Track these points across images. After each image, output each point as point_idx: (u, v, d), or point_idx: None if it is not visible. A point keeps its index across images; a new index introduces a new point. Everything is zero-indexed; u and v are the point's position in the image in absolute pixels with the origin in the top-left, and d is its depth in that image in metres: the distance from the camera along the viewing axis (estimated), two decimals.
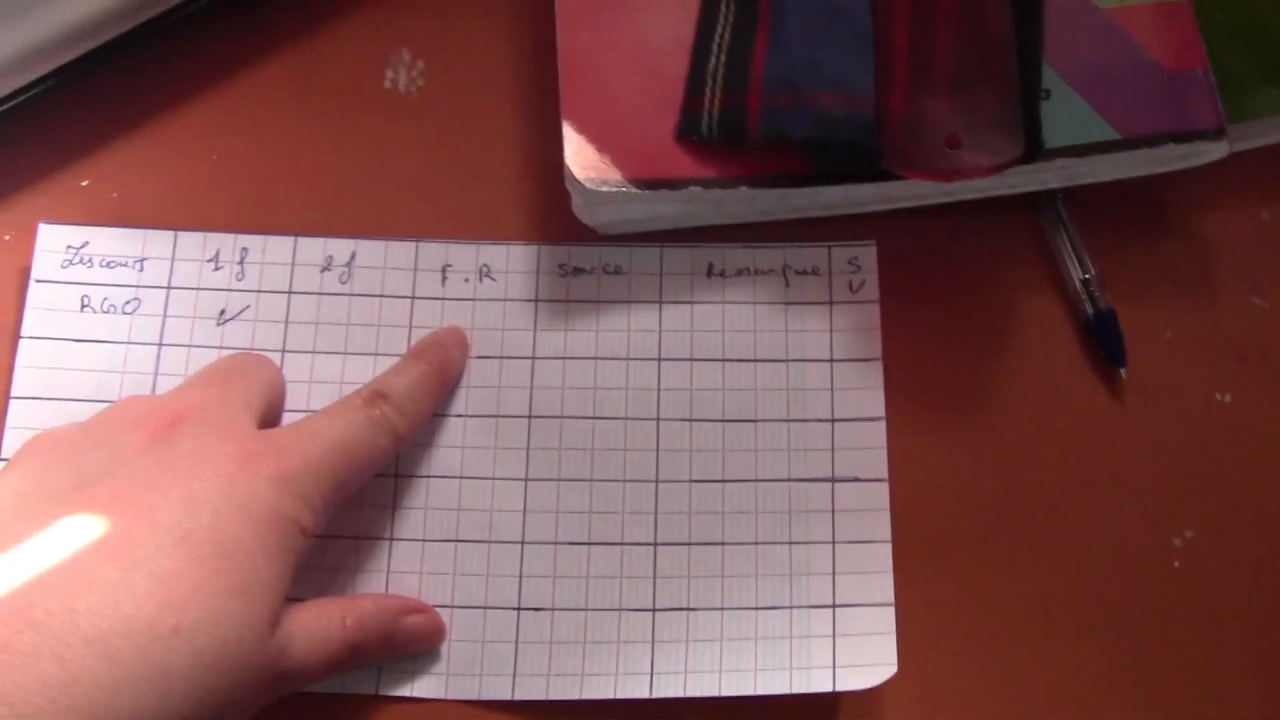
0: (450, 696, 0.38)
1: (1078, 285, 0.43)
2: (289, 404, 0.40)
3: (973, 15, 0.41)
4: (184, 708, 0.30)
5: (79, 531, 0.31)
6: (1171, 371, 0.43)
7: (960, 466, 0.42)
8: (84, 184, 0.43)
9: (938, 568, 0.41)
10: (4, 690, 0.27)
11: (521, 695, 0.38)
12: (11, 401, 0.40)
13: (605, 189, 0.39)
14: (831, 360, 0.42)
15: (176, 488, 0.32)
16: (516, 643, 0.39)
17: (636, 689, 0.38)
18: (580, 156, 0.39)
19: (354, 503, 0.38)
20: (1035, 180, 0.42)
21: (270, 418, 0.38)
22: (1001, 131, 0.40)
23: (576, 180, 0.39)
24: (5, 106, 0.42)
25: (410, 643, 0.38)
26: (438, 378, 0.40)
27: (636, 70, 0.41)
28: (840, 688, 0.38)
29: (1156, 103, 0.41)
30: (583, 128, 0.40)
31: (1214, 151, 0.41)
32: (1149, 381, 0.43)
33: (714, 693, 0.38)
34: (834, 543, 0.40)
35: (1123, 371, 0.42)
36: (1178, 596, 0.41)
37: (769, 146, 0.40)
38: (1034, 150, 0.40)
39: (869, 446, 0.41)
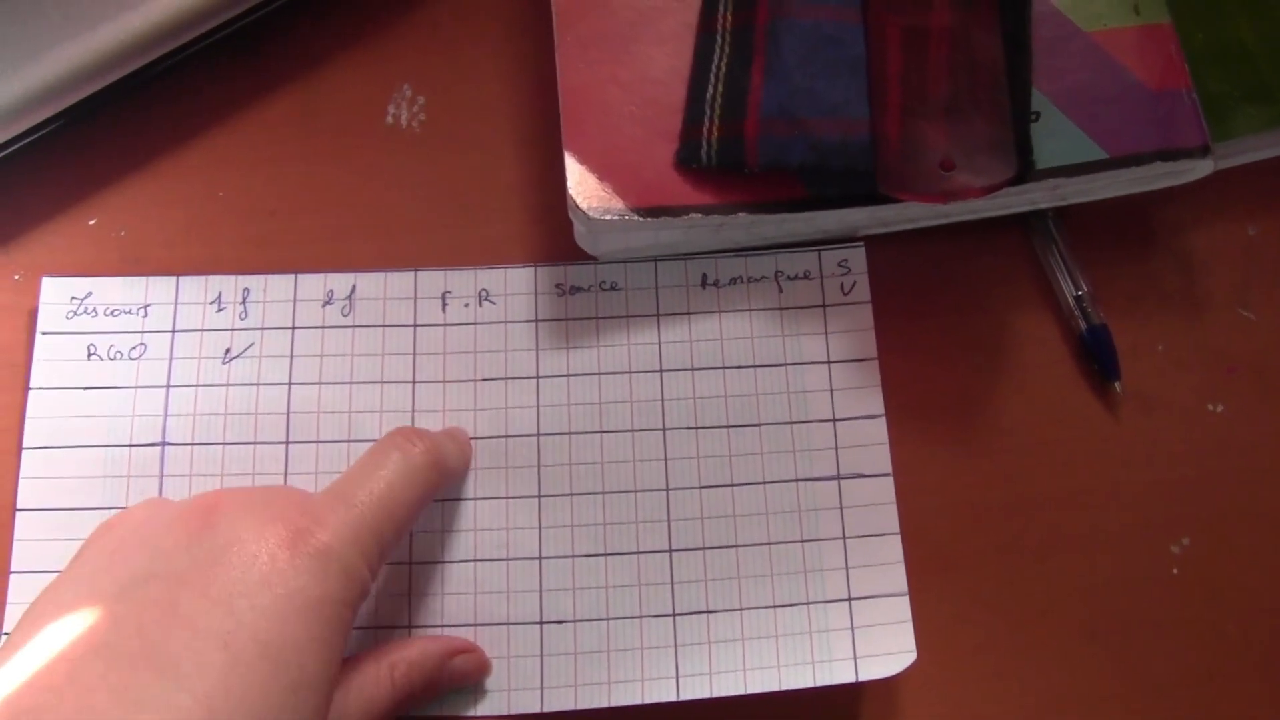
0: (480, 713, 0.39)
1: (1070, 302, 0.44)
2: (299, 435, 0.41)
3: (963, 41, 0.41)
4: None
5: (121, 644, 0.30)
6: (1164, 384, 0.44)
7: (959, 480, 0.43)
8: (91, 223, 0.44)
9: (939, 579, 0.41)
10: None
11: (550, 707, 0.39)
12: (24, 452, 0.40)
13: (609, 217, 0.40)
14: (829, 362, 0.42)
15: (216, 586, 0.31)
16: (541, 656, 0.39)
17: (664, 693, 0.39)
18: (583, 186, 0.40)
19: None
20: (1027, 200, 0.43)
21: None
22: (994, 153, 0.40)
23: (580, 209, 0.40)
24: (13, 148, 0.42)
25: (455, 683, 0.38)
26: (463, 441, 0.41)
27: (635, 101, 0.42)
28: (863, 678, 0.38)
29: (1143, 122, 0.41)
30: (585, 158, 0.41)
31: (1200, 168, 0.42)
32: (1143, 394, 0.44)
33: (740, 691, 0.38)
34: (844, 538, 0.40)
35: (1117, 385, 0.43)
36: (1176, 602, 0.42)
37: (767, 173, 0.41)
38: (1026, 171, 0.40)
39: (871, 443, 0.41)
